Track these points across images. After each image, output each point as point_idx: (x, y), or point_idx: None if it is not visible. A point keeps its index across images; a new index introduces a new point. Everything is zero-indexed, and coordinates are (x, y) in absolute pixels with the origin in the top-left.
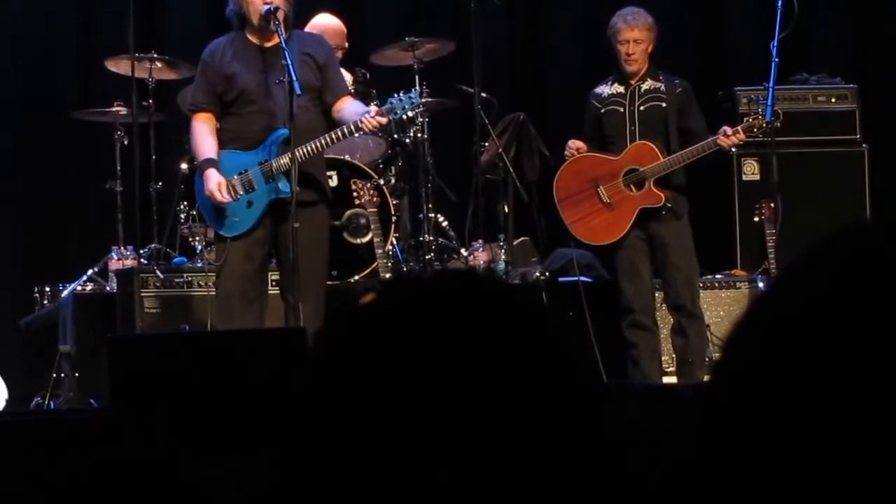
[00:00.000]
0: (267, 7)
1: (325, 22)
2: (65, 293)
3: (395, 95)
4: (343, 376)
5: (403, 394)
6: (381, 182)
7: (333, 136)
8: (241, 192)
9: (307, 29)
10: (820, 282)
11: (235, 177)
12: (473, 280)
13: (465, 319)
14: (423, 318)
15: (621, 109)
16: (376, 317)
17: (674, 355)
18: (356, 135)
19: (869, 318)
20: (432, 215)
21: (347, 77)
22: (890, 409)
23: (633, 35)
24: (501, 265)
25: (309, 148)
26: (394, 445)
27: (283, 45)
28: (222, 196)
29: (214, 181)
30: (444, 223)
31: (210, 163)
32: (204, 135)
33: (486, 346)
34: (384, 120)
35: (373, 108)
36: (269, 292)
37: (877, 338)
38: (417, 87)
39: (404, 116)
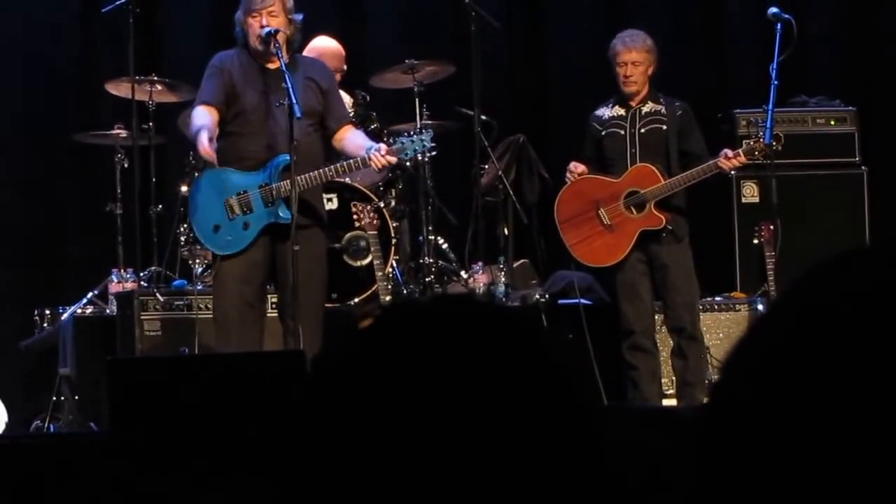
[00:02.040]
0: (267, 30)
1: (323, 45)
2: (65, 316)
3: (408, 135)
4: (341, 401)
5: (401, 418)
6: (381, 204)
7: (339, 168)
8: (238, 213)
9: (306, 51)
10: (819, 305)
11: (234, 197)
12: (471, 304)
13: (463, 344)
14: (421, 343)
15: (622, 132)
16: (374, 342)
17: (674, 377)
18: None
19: (867, 342)
20: (432, 238)
21: (347, 100)
22: (889, 431)
23: (632, 57)
24: (501, 287)
25: (312, 177)
26: (392, 468)
27: (284, 67)
28: (208, 149)
29: (206, 137)
30: (444, 245)
31: (205, 126)
32: (205, 113)
33: (484, 370)
34: (393, 159)
35: (383, 146)
36: (269, 315)
37: (875, 362)
38: (429, 131)
39: (414, 158)
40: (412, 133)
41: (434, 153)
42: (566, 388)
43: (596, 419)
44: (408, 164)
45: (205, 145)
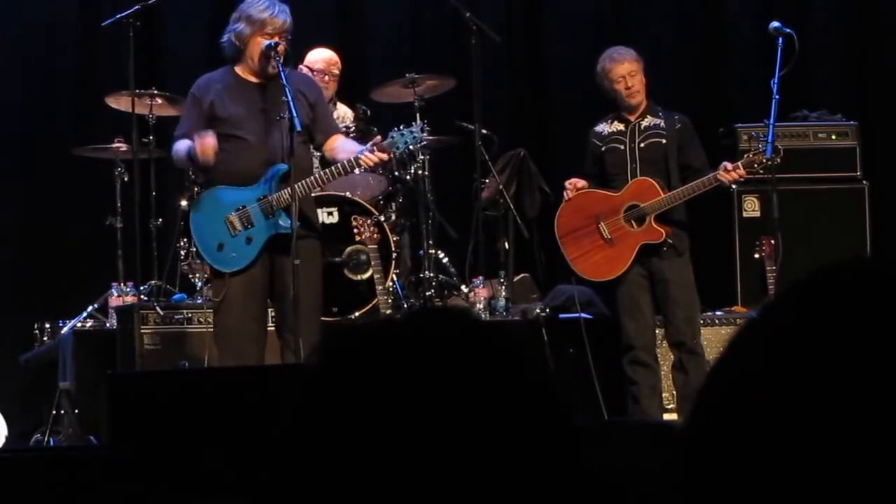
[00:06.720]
0: (267, 42)
1: (317, 57)
2: (65, 330)
3: (397, 129)
4: (324, 415)
5: (384, 428)
6: (382, 218)
7: (334, 171)
8: (240, 228)
9: (305, 63)
10: (807, 316)
11: (234, 213)
12: (449, 317)
13: (441, 357)
14: (398, 357)
15: (622, 147)
16: (354, 355)
17: (674, 392)
18: (357, 171)
19: (856, 353)
20: (433, 252)
21: (349, 113)
22: (878, 446)
23: (626, 68)
24: (502, 302)
25: (308, 183)
26: (379, 479)
27: (284, 81)
28: (206, 151)
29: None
30: (445, 259)
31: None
32: (186, 142)
33: (464, 383)
34: (385, 156)
35: (377, 138)
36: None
37: (864, 372)
38: (419, 121)
39: (406, 151)
40: (401, 127)
41: (424, 143)
42: (545, 402)
43: (576, 431)
44: (407, 174)
45: (203, 140)
